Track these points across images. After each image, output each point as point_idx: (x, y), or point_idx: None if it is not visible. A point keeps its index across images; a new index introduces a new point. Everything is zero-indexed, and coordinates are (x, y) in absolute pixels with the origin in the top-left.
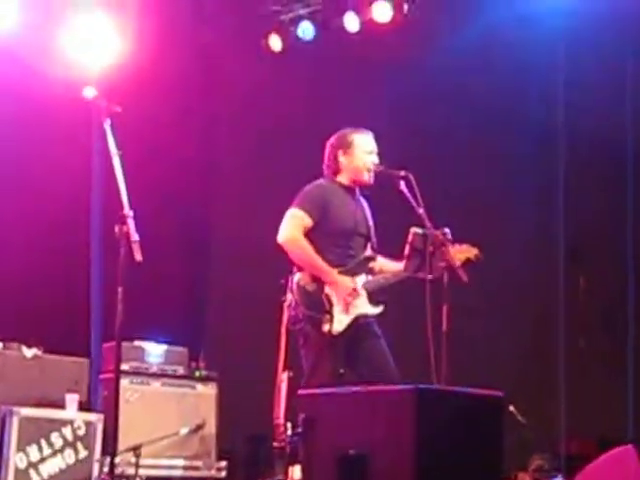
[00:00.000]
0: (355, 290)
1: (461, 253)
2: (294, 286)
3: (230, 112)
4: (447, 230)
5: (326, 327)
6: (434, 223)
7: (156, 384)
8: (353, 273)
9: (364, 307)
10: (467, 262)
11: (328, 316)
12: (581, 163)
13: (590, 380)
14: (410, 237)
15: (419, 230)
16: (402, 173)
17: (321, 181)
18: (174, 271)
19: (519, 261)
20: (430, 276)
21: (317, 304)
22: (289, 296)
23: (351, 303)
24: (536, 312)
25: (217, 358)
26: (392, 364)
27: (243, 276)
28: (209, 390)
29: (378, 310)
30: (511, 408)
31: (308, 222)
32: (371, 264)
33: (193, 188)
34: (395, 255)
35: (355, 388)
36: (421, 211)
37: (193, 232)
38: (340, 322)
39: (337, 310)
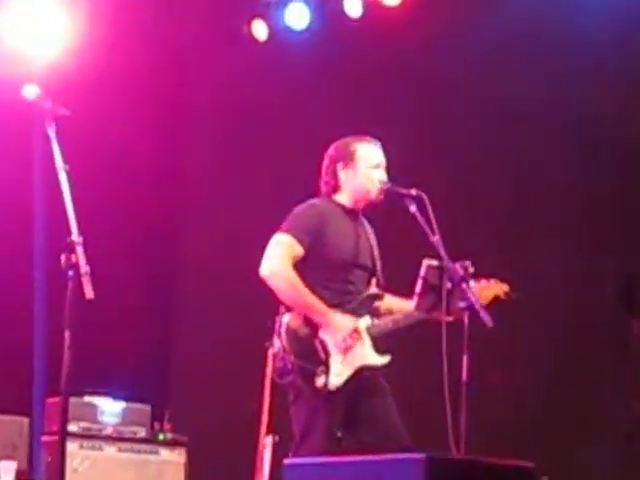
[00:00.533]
0: (357, 331)
1: (488, 290)
2: (282, 330)
3: (203, 114)
4: (468, 263)
5: (321, 381)
6: (452, 254)
7: (111, 449)
8: (354, 314)
9: (368, 357)
10: (495, 301)
11: (323, 367)
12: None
13: None
14: (423, 270)
15: (434, 262)
16: (413, 192)
17: (315, 201)
18: (133, 310)
19: (556, 302)
20: (447, 318)
21: (310, 352)
22: (276, 342)
23: (351, 349)
24: (578, 366)
25: (186, 418)
26: (401, 427)
27: (218, 315)
28: (176, 457)
29: (385, 360)
30: None
31: (299, 251)
32: (376, 303)
33: (156, 208)
34: (406, 294)
35: (354, 457)
36: (436, 239)
37: (156, 262)
38: (338, 375)
39: (335, 360)
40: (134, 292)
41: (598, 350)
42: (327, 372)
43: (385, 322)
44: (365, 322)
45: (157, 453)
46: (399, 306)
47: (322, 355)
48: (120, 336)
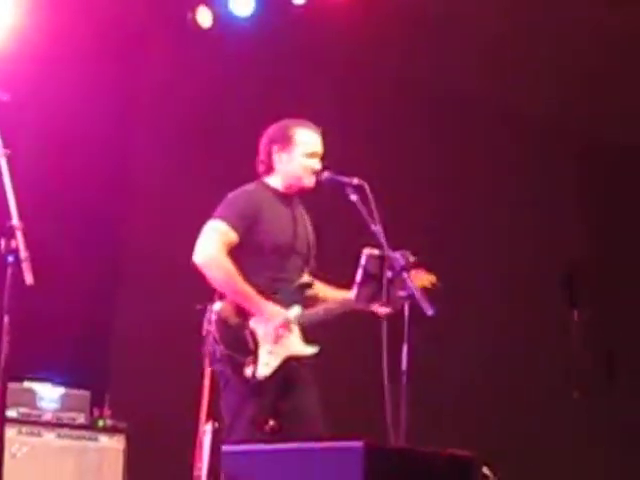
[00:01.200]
0: (288, 323)
1: (416, 280)
2: (213, 318)
3: (148, 103)
4: (409, 252)
5: (249, 371)
6: (393, 245)
7: (50, 435)
8: (286, 303)
9: (295, 346)
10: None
11: (252, 357)
12: None
13: (589, 446)
14: (363, 259)
15: (374, 251)
16: (355, 181)
17: (249, 186)
18: (73, 295)
19: (505, 290)
20: (385, 310)
21: (239, 342)
22: (208, 328)
23: (281, 339)
24: (523, 351)
25: (126, 404)
26: (319, 422)
27: (159, 301)
28: (115, 443)
29: (312, 350)
30: (485, 470)
31: (232, 237)
32: (308, 292)
33: (99, 194)
34: (342, 284)
35: (288, 444)
36: (376, 228)
37: (97, 247)
38: (266, 365)
39: (264, 350)
40: (75, 276)
41: (544, 337)
42: (255, 362)
43: (316, 311)
44: (295, 311)
45: (96, 440)
46: (331, 295)
47: (251, 345)
48: (60, 321)
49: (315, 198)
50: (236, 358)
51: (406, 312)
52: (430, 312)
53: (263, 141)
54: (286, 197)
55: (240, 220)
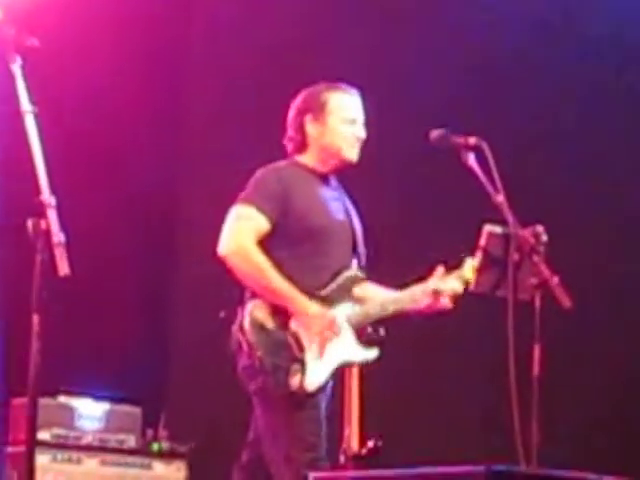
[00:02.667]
0: (334, 324)
1: None
2: (246, 322)
3: (200, 50)
4: (541, 229)
5: (296, 381)
6: (520, 218)
7: (92, 462)
8: (331, 300)
9: (350, 351)
10: None
11: (298, 365)
12: None
13: None
14: (483, 239)
15: (497, 228)
16: (471, 140)
17: (278, 163)
18: (121, 290)
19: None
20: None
21: (280, 348)
22: (237, 337)
23: (329, 343)
24: None
25: (186, 422)
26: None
27: (224, 299)
28: (174, 471)
29: (373, 355)
30: None
31: (263, 224)
32: (356, 287)
33: (147, 162)
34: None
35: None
36: (501, 199)
37: (147, 228)
38: (316, 373)
39: (310, 356)
40: (121, 267)
41: None
42: (303, 370)
43: (370, 309)
44: (345, 309)
45: (150, 467)
46: (379, 293)
47: (296, 351)
48: (103, 322)
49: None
50: (280, 365)
51: (537, 304)
52: (568, 305)
53: (291, 114)
54: (321, 176)
55: (270, 203)
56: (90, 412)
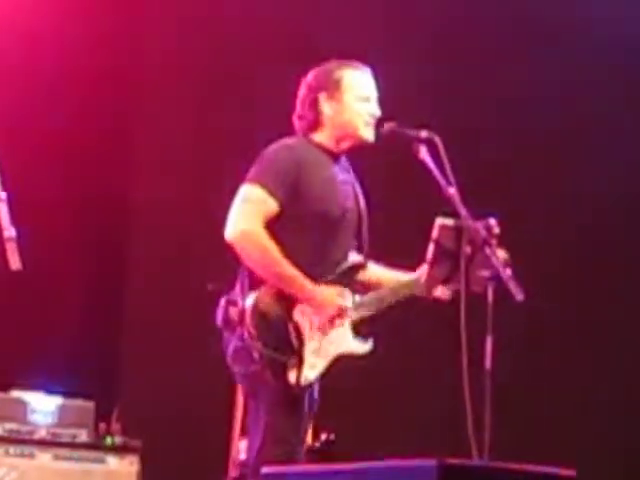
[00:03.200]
0: (344, 312)
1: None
2: (249, 309)
3: (155, 28)
4: (493, 221)
5: (293, 376)
6: (472, 210)
7: (45, 457)
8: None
9: (348, 342)
10: None
11: (296, 359)
12: None
13: None
14: (436, 232)
15: (449, 221)
16: (423, 134)
17: (290, 141)
18: (72, 281)
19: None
20: (449, 292)
21: (281, 339)
22: (234, 319)
23: (331, 334)
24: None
25: (139, 417)
26: None
27: (177, 288)
28: (127, 466)
29: (368, 347)
30: None
31: (272, 207)
32: (359, 275)
33: (100, 150)
34: (404, 263)
35: (346, 465)
36: (452, 191)
37: (100, 223)
38: (312, 367)
39: (309, 349)
40: (72, 261)
41: None
42: (300, 365)
43: (370, 300)
44: (349, 299)
45: (103, 461)
46: (389, 279)
47: (295, 343)
48: (55, 316)
49: (372, 156)
50: (278, 359)
51: (489, 296)
52: (520, 297)
53: (302, 92)
54: (335, 156)
55: (281, 184)
56: (43, 406)
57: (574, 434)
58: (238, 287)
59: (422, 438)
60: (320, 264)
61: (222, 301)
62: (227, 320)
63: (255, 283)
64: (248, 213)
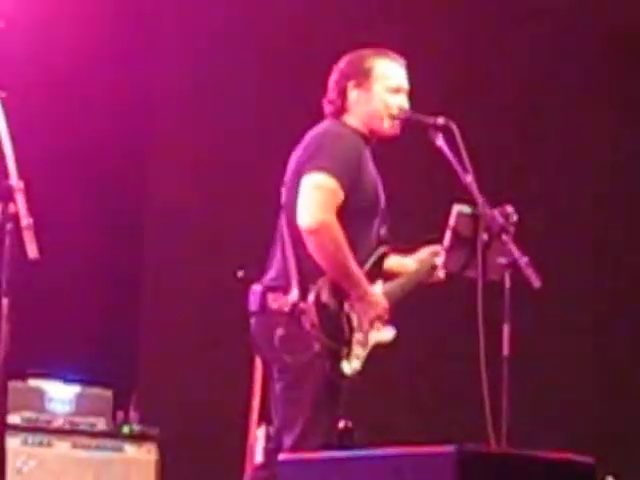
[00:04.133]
0: (387, 312)
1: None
2: (311, 298)
3: (171, 28)
4: (510, 209)
5: (346, 365)
6: (489, 198)
7: (63, 445)
8: (369, 279)
9: (380, 332)
10: None
11: (346, 349)
12: None
13: None
14: (452, 219)
15: (466, 209)
16: (440, 121)
17: (336, 127)
18: (89, 271)
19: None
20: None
21: (336, 330)
22: (287, 306)
23: (373, 330)
24: None
25: (157, 405)
26: None
27: (196, 276)
28: (145, 454)
29: (392, 334)
30: None
31: (341, 198)
32: (384, 264)
33: (117, 145)
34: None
35: (366, 451)
36: (469, 179)
37: (118, 210)
38: (358, 358)
39: (356, 340)
40: (91, 250)
41: None
42: (349, 355)
43: (394, 288)
44: (379, 288)
45: (121, 450)
46: (402, 266)
47: (347, 334)
48: (73, 303)
49: (387, 143)
50: (336, 350)
51: (506, 283)
52: (537, 284)
53: (334, 77)
54: (368, 141)
55: (348, 175)
56: (61, 395)
57: (593, 421)
58: (274, 273)
59: (439, 425)
60: (359, 254)
61: (257, 288)
62: (264, 306)
63: (305, 272)
64: (325, 203)
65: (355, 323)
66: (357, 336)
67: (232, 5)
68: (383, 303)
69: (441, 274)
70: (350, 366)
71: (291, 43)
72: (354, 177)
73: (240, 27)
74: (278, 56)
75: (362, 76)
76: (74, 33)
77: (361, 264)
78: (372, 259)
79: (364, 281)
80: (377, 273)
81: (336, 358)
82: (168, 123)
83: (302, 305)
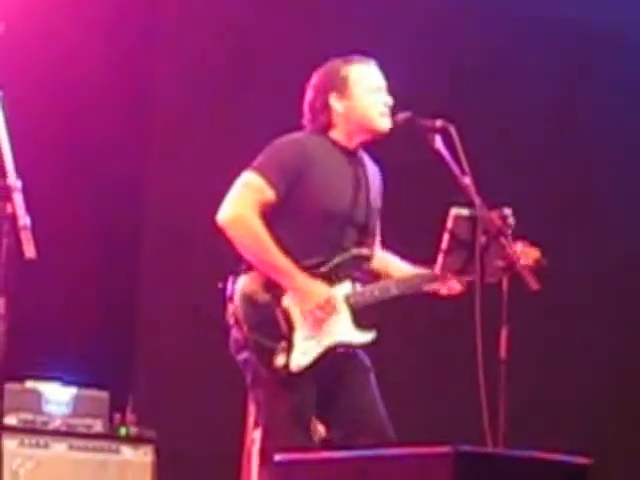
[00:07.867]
0: (330, 303)
1: (524, 256)
2: (237, 295)
3: (170, 29)
4: (508, 211)
5: (280, 360)
6: (487, 200)
7: (60, 447)
8: (333, 279)
9: (344, 333)
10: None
11: (284, 343)
12: None
13: None
14: (450, 222)
15: (464, 211)
16: (438, 123)
17: (301, 135)
18: (87, 273)
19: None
20: (460, 286)
21: (268, 324)
22: (230, 309)
23: (323, 323)
24: None
25: (154, 407)
26: (383, 412)
27: (194, 278)
28: (142, 456)
29: (367, 338)
30: None
31: (269, 196)
32: (365, 266)
33: (115, 144)
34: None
35: (360, 452)
36: (467, 181)
37: (116, 212)
38: (304, 353)
39: (300, 335)
40: (87, 251)
41: None
42: (289, 349)
43: (371, 290)
44: (344, 289)
45: (118, 452)
46: (404, 271)
47: (284, 328)
48: (70, 304)
49: (386, 146)
50: (264, 344)
51: (504, 287)
52: (536, 287)
53: (310, 95)
54: (349, 152)
55: (282, 175)
56: (57, 397)
57: (590, 423)
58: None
59: (437, 427)
60: (316, 257)
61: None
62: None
63: (248, 270)
64: (244, 198)
65: (297, 318)
66: (302, 331)
67: (232, 5)
68: (319, 295)
69: (458, 286)
70: (292, 361)
71: (291, 43)
72: (293, 182)
73: (240, 27)
74: (278, 56)
75: (341, 85)
76: (74, 33)
77: (319, 264)
78: (337, 260)
79: (297, 273)
80: (345, 273)
81: (268, 352)
82: (168, 123)
83: (229, 303)
